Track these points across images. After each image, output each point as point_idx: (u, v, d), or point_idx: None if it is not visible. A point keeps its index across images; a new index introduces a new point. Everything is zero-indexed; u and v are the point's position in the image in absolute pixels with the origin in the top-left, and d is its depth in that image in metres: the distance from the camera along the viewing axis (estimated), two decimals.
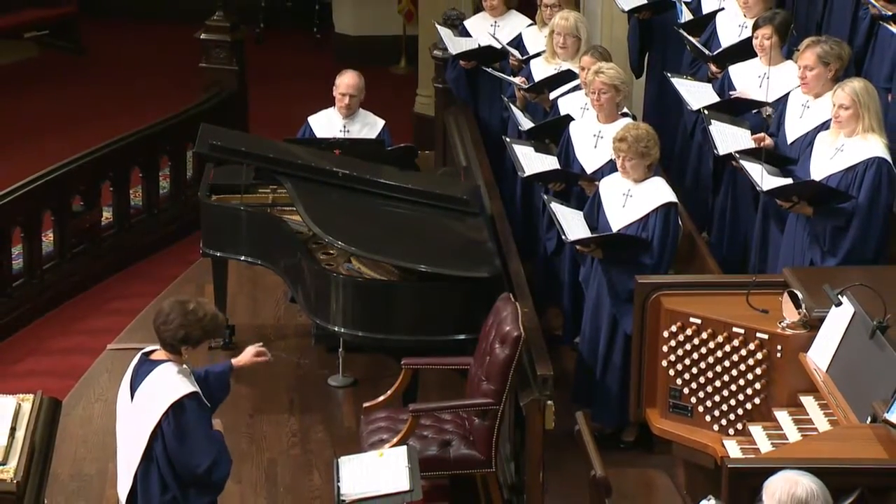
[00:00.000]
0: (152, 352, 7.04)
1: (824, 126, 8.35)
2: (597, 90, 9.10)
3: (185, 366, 7.00)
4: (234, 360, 7.37)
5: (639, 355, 7.92)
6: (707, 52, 9.59)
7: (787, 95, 8.74)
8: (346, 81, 10.25)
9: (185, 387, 6.91)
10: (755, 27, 9.11)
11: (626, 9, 10.51)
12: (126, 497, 7.03)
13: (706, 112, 8.95)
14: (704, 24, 9.88)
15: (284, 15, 16.31)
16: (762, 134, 8.72)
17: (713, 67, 9.53)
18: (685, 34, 9.73)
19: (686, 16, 10.02)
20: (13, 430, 7.16)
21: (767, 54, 9.03)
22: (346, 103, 10.23)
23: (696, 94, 9.27)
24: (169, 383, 6.91)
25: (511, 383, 7.94)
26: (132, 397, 7.00)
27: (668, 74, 9.54)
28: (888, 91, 8.77)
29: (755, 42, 9.08)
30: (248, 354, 7.40)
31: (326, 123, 10.34)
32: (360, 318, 8.84)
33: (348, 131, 10.28)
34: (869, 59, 9.22)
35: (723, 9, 9.90)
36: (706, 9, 10.08)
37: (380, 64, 14.06)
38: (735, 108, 9.08)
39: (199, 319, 6.93)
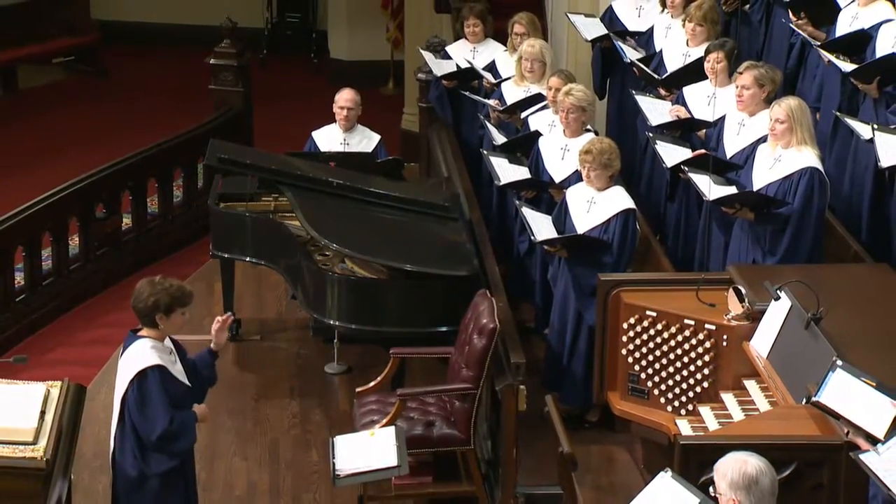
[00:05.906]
0: (139, 329, 7.04)
1: (760, 142, 8.41)
2: (566, 109, 9.12)
3: (161, 343, 6.93)
4: (211, 346, 7.21)
5: (601, 344, 7.95)
6: (657, 76, 9.69)
7: (724, 115, 8.80)
8: (345, 96, 10.29)
9: (152, 359, 6.86)
10: (707, 52, 9.16)
11: (589, 38, 10.56)
12: (111, 457, 7.07)
13: (650, 134, 9.03)
14: (650, 59, 9.98)
15: (285, 42, 16.32)
16: (702, 150, 8.77)
17: (662, 91, 9.62)
18: (640, 64, 9.83)
19: (630, 53, 10.07)
20: (43, 413, 7.15)
21: (716, 77, 9.08)
22: (344, 116, 10.25)
23: (656, 110, 9.32)
24: (139, 355, 6.87)
25: (488, 370, 7.96)
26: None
27: (633, 92, 9.59)
28: (817, 110, 8.85)
29: (707, 66, 9.12)
30: (213, 333, 7.21)
31: (328, 137, 10.35)
32: (353, 312, 8.85)
33: (348, 144, 10.30)
34: (801, 80, 9.31)
35: (666, 35, 9.99)
36: (657, 38, 10.17)
37: (370, 86, 14.02)
38: (685, 128, 9.15)
39: (165, 288, 6.89)
